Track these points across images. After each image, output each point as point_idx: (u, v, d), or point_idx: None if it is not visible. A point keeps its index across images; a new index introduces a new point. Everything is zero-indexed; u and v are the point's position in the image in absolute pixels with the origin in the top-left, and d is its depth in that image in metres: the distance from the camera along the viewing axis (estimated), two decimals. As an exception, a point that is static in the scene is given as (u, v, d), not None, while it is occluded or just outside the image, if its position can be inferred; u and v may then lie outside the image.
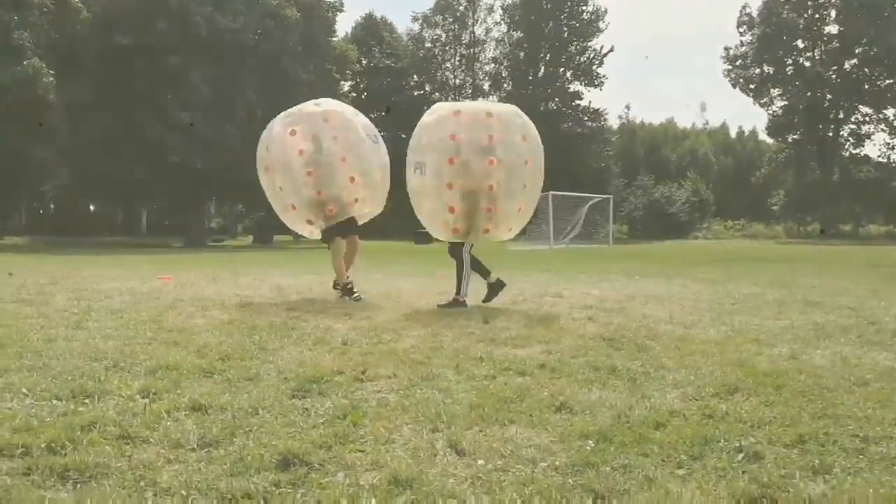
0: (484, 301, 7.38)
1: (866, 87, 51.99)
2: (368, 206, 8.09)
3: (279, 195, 7.92)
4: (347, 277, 7.84)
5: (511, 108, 7.43)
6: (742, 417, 3.14)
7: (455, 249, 7.44)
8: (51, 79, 28.96)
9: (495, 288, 7.47)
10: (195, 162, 33.26)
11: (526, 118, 7.40)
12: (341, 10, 43.24)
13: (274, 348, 4.70)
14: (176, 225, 51.75)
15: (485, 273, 7.53)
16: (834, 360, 4.44)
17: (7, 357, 4.21)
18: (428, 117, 7.37)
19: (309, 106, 8.03)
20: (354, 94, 55.56)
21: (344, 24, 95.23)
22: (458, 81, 62.69)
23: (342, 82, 45.79)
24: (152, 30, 32.84)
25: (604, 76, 57.54)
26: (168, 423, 2.99)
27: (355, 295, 7.66)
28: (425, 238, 37.90)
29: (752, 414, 3.19)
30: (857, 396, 3.52)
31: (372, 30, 59.29)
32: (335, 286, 7.96)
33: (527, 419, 3.11)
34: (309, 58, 39.33)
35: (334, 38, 43.93)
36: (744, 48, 55.55)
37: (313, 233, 8.15)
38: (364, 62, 55.71)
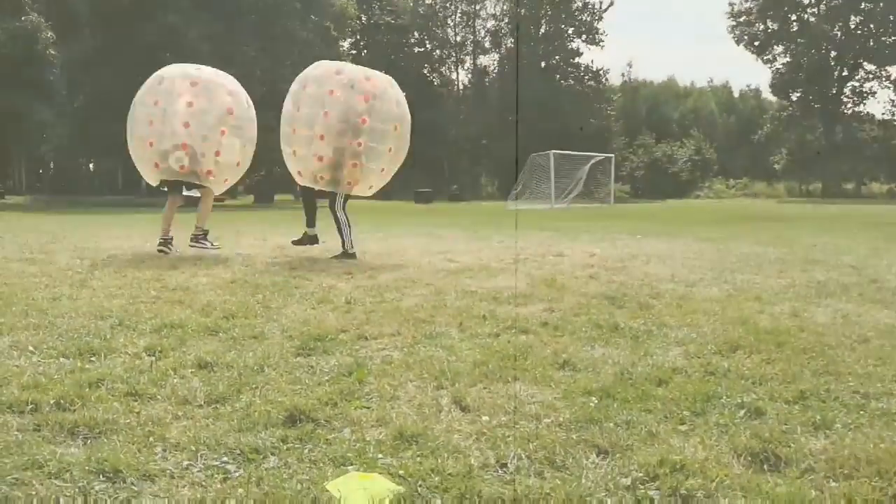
0: (294, 243, 8.14)
1: (871, 44, 51.44)
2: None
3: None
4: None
5: (387, 77, 8.02)
6: (744, 374, 3.16)
7: (331, 208, 7.92)
8: (50, 34, 28.66)
9: (310, 240, 8.09)
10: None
11: (398, 88, 7.97)
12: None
13: (277, 307, 4.71)
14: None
15: (311, 222, 8.13)
16: (835, 318, 4.46)
17: (13, 315, 4.23)
18: (312, 70, 7.82)
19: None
20: (354, 52, 55.00)
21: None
22: (458, 38, 62.01)
23: (341, 41, 45.26)
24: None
25: (603, 32, 56.95)
26: (174, 380, 3.01)
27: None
28: (425, 198, 37.87)
29: (754, 371, 3.21)
30: (857, 353, 3.54)
31: (372, -15, 58.39)
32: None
33: (530, 376, 3.13)
34: (307, 15, 38.83)
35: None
36: (748, 4, 54.84)
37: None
38: (364, 19, 54.99)
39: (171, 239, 8.06)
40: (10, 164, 51.87)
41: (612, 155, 39.07)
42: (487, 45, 61.60)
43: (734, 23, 55.51)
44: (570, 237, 11.47)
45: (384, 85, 7.77)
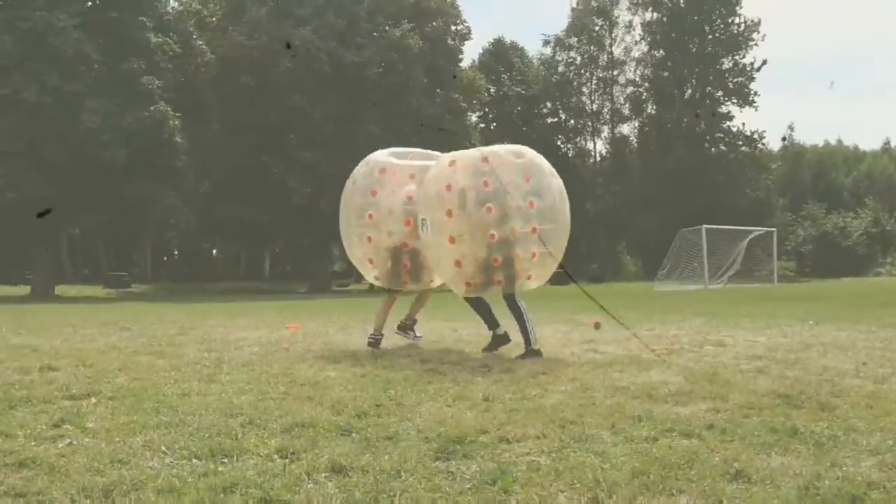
0: (485, 350, 7.60)
1: None
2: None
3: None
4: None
5: (510, 149, 7.51)
6: (958, 492, 2.92)
7: (509, 303, 7.41)
8: (176, 122, 31.06)
9: (501, 340, 7.67)
10: (318, 202, 34.61)
11: (531, 155, 7.38)
12: (469, 38, 44.17)
13: (411, 404, 4.76)
14: (299, 269, 53.83)
15: (493, 324, 7.72)
16: None
17: (145, 412, 4.48)
18: (431, 171, 7.63)
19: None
20: (483, 125, 56.36)
21: (471, 51, 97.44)
22: (595, 107, 62.49)
23: (470, 113, 46.55)
24: (276, 69, 34.65)
25: (757, 93, 55.80)
26: (309, 485, 3.08)
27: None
28: (561, 279, 37.73)
29: (970, 488, 2.96)
30: None
31: (501, 56, 60.15)
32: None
33: (699, 489, 3.00)
34: (434, 89, 40.29)
35: (461, 68, 44.83)
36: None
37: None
38: (493, 90, 56.46)
39: (382, 337, 8.14)
40: (136, 252, 55.87)
41: (774, 229, 37.75)
42: (626, 112, 61.70)
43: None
44: (730, 323, 11.06)
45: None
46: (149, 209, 32.27)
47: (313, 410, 4.54)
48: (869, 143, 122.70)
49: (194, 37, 35.37)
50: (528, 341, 7.31)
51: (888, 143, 78.02)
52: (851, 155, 74.02)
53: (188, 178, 34.07)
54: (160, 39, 32.30)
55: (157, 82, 31.05)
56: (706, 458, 3.44)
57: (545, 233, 7.12)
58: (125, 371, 6.22)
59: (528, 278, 7.40)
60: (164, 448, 3.66)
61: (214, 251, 61.88)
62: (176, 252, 61.94)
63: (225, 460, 3.47)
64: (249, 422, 4.24)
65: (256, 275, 58.39)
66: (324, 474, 3.24)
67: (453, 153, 7.63)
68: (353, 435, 3.95)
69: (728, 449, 3.60)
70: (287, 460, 3.45)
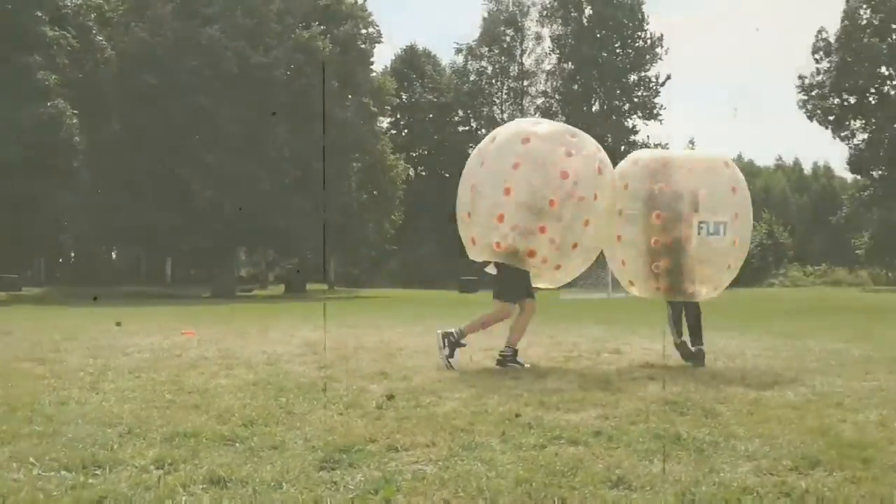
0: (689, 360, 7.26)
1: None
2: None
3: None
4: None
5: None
6: (825, 496, 3.02)
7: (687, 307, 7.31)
8: (74, 120, 29.95)
9: (697, 355, 7.23)
10: (223, 206, 33.85)
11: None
12: (379, 42, 44.03)
13: (302, 412, 4.68)
14: (202, 273, 52.59)
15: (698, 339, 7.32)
16: (931, 429, 4.27)
17: (16, 422, 4.27)
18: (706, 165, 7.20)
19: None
20: (395, 131, 56.33)
21: (383, 58, 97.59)
22: (506, 116, 63.17)
23: (381, 118, 46.39)
24: (181, 68, 33.76)
25: (661, 107, 57.57)
26: (183, 497, 2.98)
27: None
28: (471, 287, 37.89)
29: (837, 492, 3.07)
30: (959, 471, 3.36)
31: (413, 63, 60.29)
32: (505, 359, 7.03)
33: (580, 496, 3.03)
34: (344, 93, 39.98)
35: (373, 73, 44.67)
36: (820, 76, 55.02)
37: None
38: (405, 97, 56.49)
39: (515, 352, 7.08)
40: (29, 254, 53.54)
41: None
42: (536, 123, 62.56)
43: (805, 97, 55.63)
44: (629, 331, 11.30)
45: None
46: (41, 210, 30.98)
47: (198, 419, 4.41)
48: (764, 159, 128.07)
49: (94, 32, 34.20)
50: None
51: (780, 159, 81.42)
52: (749, 170, 76.88)
53: (84, 179, 32.89)
54: (57, 33, 31.12)
55: (53, 78, 29.89)
56: (590, 464, 3.48)
57: (743, 219, 7.16)
58: None
59: (728, 267, 7.30)
60: (32, 459, 3.48)
61: (113, 254, 59.89)
62: (72, 254, 59.71)
63: (97, 472, 3.33)
64: (128, 431, 4.09)
65: (158, 279, 56.74)
66: (201, 486, 3.14)
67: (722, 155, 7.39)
68: (237, 445, 3.85)
69: (612, 456, 3.65)
70: (163, 471, 3.33)
